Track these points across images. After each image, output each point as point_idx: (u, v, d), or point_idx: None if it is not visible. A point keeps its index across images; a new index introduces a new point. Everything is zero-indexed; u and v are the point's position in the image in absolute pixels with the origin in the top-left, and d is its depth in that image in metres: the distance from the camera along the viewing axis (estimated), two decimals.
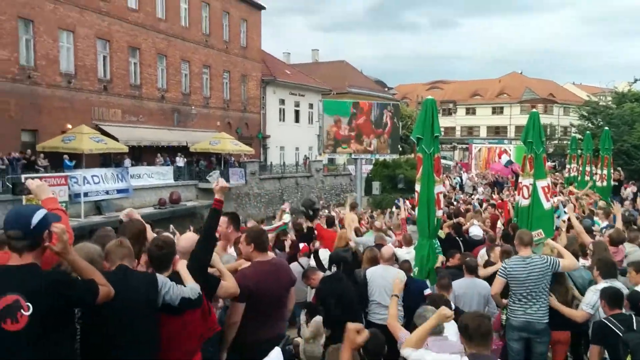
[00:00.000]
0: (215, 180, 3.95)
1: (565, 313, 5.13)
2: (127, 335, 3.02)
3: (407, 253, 7.67)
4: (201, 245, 3.63)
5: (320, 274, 5.64)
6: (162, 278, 3.23)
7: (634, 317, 4.12)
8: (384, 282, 5.72)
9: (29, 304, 2.40)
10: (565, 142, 43.39)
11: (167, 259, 3.45)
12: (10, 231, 2.52)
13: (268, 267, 3.98)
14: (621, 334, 3.87)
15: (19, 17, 20.51)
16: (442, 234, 8.39)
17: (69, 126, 22.13)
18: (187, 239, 3.91)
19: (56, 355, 2.53)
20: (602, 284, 4.85)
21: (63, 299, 2.52)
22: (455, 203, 17.08)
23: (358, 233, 9.49)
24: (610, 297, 4.34)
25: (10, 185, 17.39)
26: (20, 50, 20.77)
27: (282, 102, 39.45)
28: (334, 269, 6.02)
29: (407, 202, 13.62)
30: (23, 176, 16.19)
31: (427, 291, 5.78)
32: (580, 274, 5.71)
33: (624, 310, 4.28)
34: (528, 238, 5.47)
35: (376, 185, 32.25)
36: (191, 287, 3.27)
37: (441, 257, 7.23)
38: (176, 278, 3.39)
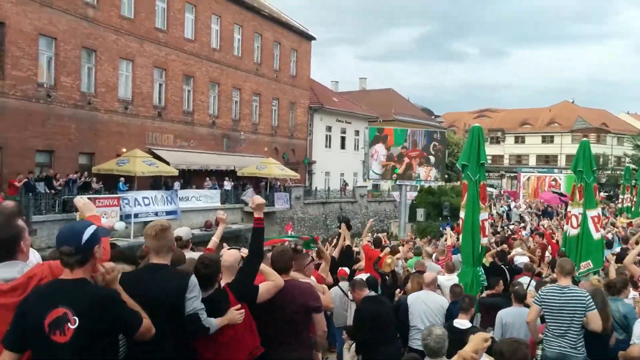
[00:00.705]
0: (250, 199, 3.94)
1: (628, 356, 4.91)
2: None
3: (447, 280, 7.56)
4: (248, 263, 3.81)
5: (366, 292, 5.67)
6: (194, 282, 3.23)
7: None
8: (424, 307, 5.71)
9: (76, 318, 2.51)
10: (618, 172, 41.78)
11: (211, 277, 3.59)
12: (62, 247, 2.64)
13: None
14: None
15: (82, 46, 21.83)
16: (486, 261, 8.27)
17: (124, 150, 23.10)
18: (231, 254, 4.07)
19: None
20: None
21: (109, 316, 2.61)
22: (500, 231, 16.71)
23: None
24: None
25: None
26: (82, 78, 22.01)
27: (329, 128, 39.91)
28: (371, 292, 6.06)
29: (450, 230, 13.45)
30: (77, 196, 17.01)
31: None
32: (617, 306, 5.48)
33: None
34: (569, 267, 5.33)
35: (421, 212, 31.93)
36: (210, 321, 3.30)
37: None
38: (220, 297, 3.51)
